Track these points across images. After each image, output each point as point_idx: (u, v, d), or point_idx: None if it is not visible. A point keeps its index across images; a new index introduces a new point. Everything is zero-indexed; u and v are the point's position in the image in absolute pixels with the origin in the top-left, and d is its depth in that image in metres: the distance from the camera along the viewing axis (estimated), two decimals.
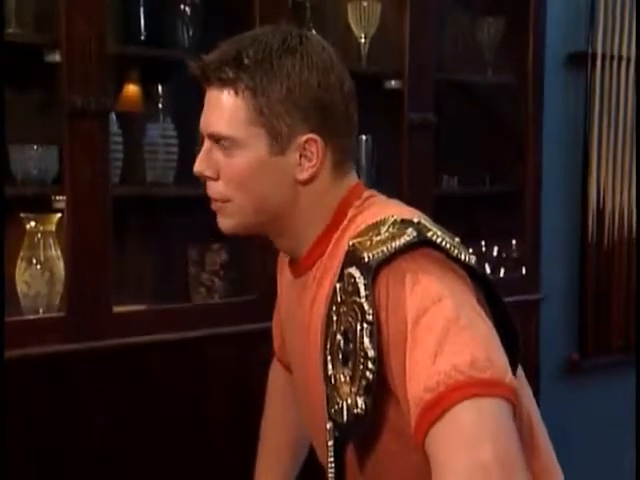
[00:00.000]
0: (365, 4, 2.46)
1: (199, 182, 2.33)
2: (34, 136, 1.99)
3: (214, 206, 1.20)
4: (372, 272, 1.04)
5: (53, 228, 2.00)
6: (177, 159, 2.20)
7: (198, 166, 1.17)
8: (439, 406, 0.96)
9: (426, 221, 1.09)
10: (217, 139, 1.14)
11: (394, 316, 1.03)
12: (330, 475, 1.10)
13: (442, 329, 0.99)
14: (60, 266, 1.98)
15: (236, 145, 1.13)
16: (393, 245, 1.04)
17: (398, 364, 1.03)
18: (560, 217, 3.03)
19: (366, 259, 1.05)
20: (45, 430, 1.87)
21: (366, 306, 1.03)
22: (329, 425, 1.08)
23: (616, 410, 3.09)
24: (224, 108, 1.13)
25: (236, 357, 2.11)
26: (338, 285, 1.08)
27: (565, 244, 3.07)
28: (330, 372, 1.08)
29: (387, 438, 1.09)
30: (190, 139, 2.26)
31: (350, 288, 1.06)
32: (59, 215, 1.98)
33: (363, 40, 2.49)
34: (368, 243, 1.07)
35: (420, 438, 0.98)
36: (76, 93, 1.89)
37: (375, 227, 1.09)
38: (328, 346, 1.09)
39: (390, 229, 1.07)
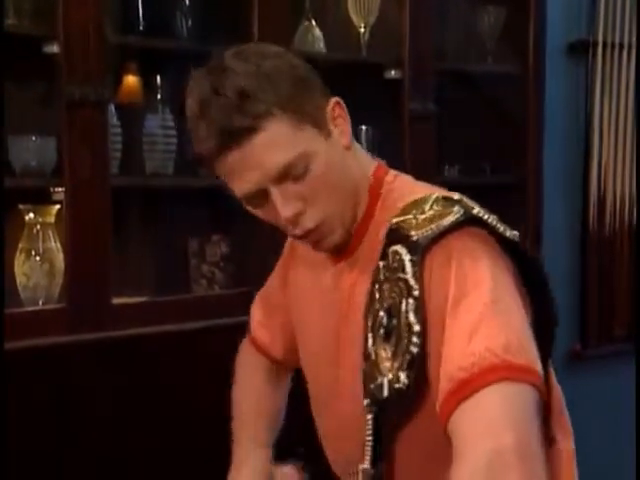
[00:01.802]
0: None
1: (198, 173, 2.34)
2: (33, 127, 1.98)
3: (311, 238, 1.15)
4: (421, 250, 1.05)
5: (52, 220, 1.99)
6: (176, 150, 2.20)
7: (286, 210, 1.10)
8: (470, 386, 0.98)
9: (464, 197, 1.12)
10: (287, 172, 1.09)
11: (436, 294, 1.05)
12: (368, 453, 1.10)
13: (480, 312, 1.01)
14: (59, 258, 1.98)
15: (306, 159, 1.09)
16: (442, 223, 1.06)
17: (434, 342, 1.04)
18: (561, 206, 3.03)
19: (414, 237, 1.06)
20: (45, 421, 1.87)
21: (412, 282, 1.05)
22: (366, 401, 1.08)
23: (619, 399, 3.09)
24: (274, 139, 1.07)
25: (237, 348, 2.10)
26: (381, 263, 1.09)
27: (566, 233, 3.07)
28: (370, 349, 1.09)
29: (424, 415, 1.09)
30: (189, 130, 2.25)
31: (395, 265, 1.07)
32: (58, 206, 1.98)
33: (363, 29, 2.47)
34: (414, 222, 1.08)
35: (445, 415, 1.00)
36: (74, 84, 1.88)
37: (417, 205, 1.10)
38: (369, 324, 1.09)
39: (434, 207, 1.09)
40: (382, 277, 1.09)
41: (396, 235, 1.09)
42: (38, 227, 1.98)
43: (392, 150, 2.44)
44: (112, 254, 1.98)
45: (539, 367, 1.02)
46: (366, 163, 1.21)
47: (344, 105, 1.16)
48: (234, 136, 1.06)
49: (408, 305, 1.05)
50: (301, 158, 1.08)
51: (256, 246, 2.19)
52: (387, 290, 1.08)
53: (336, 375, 1.21)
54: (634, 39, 3.02)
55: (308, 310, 1.29)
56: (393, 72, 2.44)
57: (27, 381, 1.83)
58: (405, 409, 1.09)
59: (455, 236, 1.06)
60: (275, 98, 1.06)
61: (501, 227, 1.08)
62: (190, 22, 2.19)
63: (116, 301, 1.99)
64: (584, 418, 3.15)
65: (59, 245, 1.99)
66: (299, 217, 1.11)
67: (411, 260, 1.05)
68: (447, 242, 1.06)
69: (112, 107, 2.05)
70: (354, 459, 1.14)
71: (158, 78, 2.21)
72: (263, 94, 1.06)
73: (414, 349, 1.04)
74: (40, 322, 1.90)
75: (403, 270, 1.06)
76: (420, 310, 1.04)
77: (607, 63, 2.99)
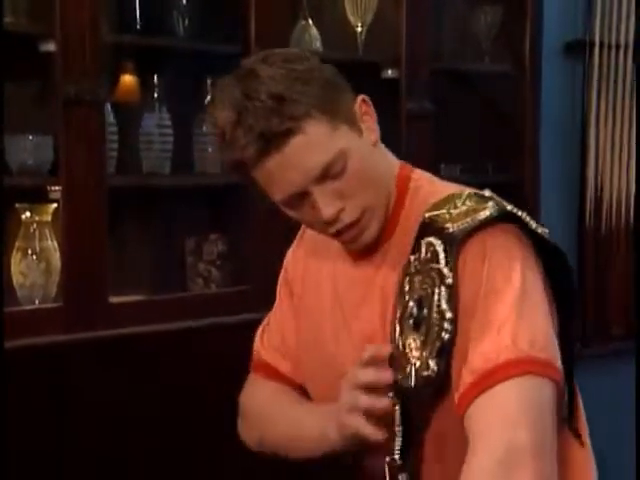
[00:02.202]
0: None
1: (195, 172, 2.34)
2: (29, 126, 1.98)
3: (350, 234, 1.15)
4: (458, 241, 1.08)
5: (49, 218, 1.99)
6: (173, 149, 2.20)
7: (328, 210, 1.11)
8: (492, 378, 1.01)
9: (494, 195, 1.14)
10: (327, 172, 1.10)
11: (469, 287, 1.07)
12: (398, 444, 1.10)
13: (509, 308, 1.04)
14: (56, 256, 1.98)
15: (343, 157, 1.11)
16: (478, 217, 1.08)
17: (462, 333, 1.06)
18: (558, 205, 3.03)
19: (450, 229, 1.09)
20: (42, 421, 1.87)
21: (445, 271, 1.07)
22: (390, 394, 1.09)
23: (617, 399, 3.09)
24: (312, 140, 1.08)
25: (233, 347, 2.10)
26: (412, 257, 1.12)
27: (564, 232, 3.06)
28: (397, 339, 1.10)
29: (447, 406, 1.09)
30: (186, 129, 2.25)
31: (428, 256, 1.10)
32: (55, 205, 1.98)
33: (360, 29, 2.47)
34: (447, 216, 1.10)
35: (464, 406, 1.02)
36: (71, 83, 1.88)
37: (450, 200, 1.13)
38: (398, 315, 1.11)
39: (467, 202, 1.11)
40: (413, 270, 1.11)
41: (429, 228, 1.11)
42: (35, 226, 1.98)
43: (389, 149, 2.44)
44: (109, 253, 1.98)
45: (560, 365, 1.05)
46: (391, 161, 1.23)
47: (370, 102, 1.18)
48: (274, 140, 1.07)
49: (441, 294, 1.07)
50: (339, 156, 1.10)
51: (253, 245, 2.19)
52: (418, 282, 1.10)
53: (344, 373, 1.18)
54: (631, 39, 3.03)
55: (335, 313, 1.25)
56: (390, 71, 2.45)
57: (24, 380, 1.83)
58: (432, 398, 1.09)
59: (489, 232, 1.09)
60: (311, 100, 1.08)
61: (533, 223, 1.11)
62: (187, 21, 2.19)
63: (113, 300, 1.99)
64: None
65: (56, 244, 1.99)
66: (340, 214, 1.13)
67: (445, 251, 1.08)
68: (482, 236, 1.09)
69: (109, 106, 2.05)
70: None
71: (155, 77, 2.21)
72: (299, 96, 1.07)
73: (445, 335, 1.06)
74: (37, 321, 1.90)
75: (437, 260, 1.08)
76: (453, 298, 1.06)
77: (604, 63, 2.99)
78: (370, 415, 1.11)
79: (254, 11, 2.13)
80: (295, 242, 1.38)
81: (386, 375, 1.10)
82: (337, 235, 1.16)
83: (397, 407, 1.10)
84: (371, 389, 1.11)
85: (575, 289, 1.17)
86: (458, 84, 2.74)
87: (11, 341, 1.72)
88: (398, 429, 1.10)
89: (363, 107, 1.17)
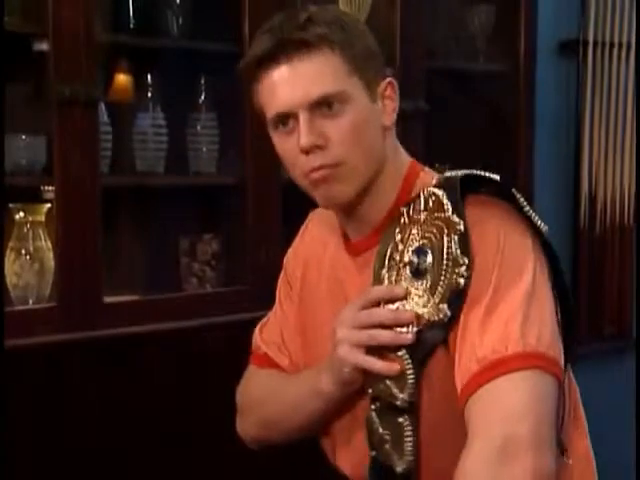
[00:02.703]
0: None
1: (189, 172, 2.33)
2: (22, 126, 1.97)
3: (322, 173, 1.13)
4: (457, 187, 1.10)
5: (42, 218, 1.99)
6: (167, 149, 2.19)
7: (307, 138, 1.11)
8: (500, 369, 1.02)
9: None
10: (323, 102, 1.11)
11: (477, 270, 1.07)
12: (409, 388, 1.10)
13: (520, 302, 1.05)
14: (50, 257, 1.97)
15: (344, 100, 1.11)
16: (475, 172, 1.13)
17: (466, 315, 1.06)
18: (553, 204, 3.03)
19: (447, 176, 1.13)
20: (36, 421, 1.87)
21: (455, 218, 1.08)
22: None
23: (609, 398, 3.10)
24: (323, 67, 1.11)
25: (228, 347, 2.10)
26: (404, 209, 1.13)
27: (558, 232, 3.06)
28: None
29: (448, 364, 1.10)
30: (180, 129, 2.25)
31: (430, 205, 1.11)
32: (48, 205, 1.97)
33: None
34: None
35: (469, 392, 1.03)
36: (64, 83, 1.87)
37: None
38: (385, 264, 1.13)
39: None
40: (407, 220, 1.13)
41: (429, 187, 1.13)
42: (28, 226, 1.97)
43: None
44: (103, 253, 1.98)
45: (562, 364, 1.07)
46: (403, 155, 1.23)
47: (397, 88, 1.19)
48: (289, 46, 1.10)
49: (452, 241, 1.07)
50: (340, 96, 1.11)
51: (247, 245, 2.19)
52: (417, 231, 1.11)
53: None
54: (625, 38, 3.03)
55: (321, 315, 1.26)
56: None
57: (18, 381, 1.82)
58: (441, 344, 1.09)
59: (494, 203, 1.11)
60: (341, 38, 1.11)
61: (537, 217, 1.12)
62: (181, 20, 2.19)
63: (107, 300, 1.99)
64: None
65: (49, 244, 1.98)
66: (316, 150, 1.12)
67: (451, 201, 1.09)
68: (481, 198, 1.11)
69: (102, 105, 2.04)
70: (365, 453, 1.16)
71: (149, 76, 2.20)
72: (331, 31, 1.10)
73: (461, 280, 1.06)
74: (31, 321, 1.89)
75: (442, 209, 1.09)
76: (466, 245, 1.07)
77: (598, 62, 2.99)
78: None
79: (247, 10, 2.13)
80: (295, 241, 1.38)
81: (407, 315, 1.09)
82: (311, 173, 1.14)
83: (404, 354, 1.09)
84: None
85: (569, 291, 1.16)
86: (452, 83, 2.74)
87: (5, 341, 1.72)
88: (411, 373, 1.09)
89: (388, 89, 1.18)
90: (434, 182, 1.15)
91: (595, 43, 2.97)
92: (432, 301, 1.07)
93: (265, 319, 1.40)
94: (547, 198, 2.96)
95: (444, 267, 1.07)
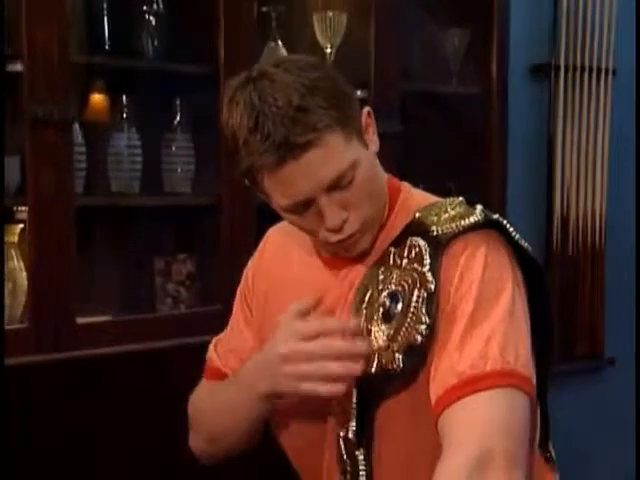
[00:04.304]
0: (331, 14, 2.46)
1: (164, 192, 2.32)
2: None
3: (350, 242, 1.15)
4: (442, 247, 1.10)
5: (15, 239, 1.98)
6: (142, 169, 2.19)
7: (336, 220, 1.12)
8: (478, 384, 1.03)
9: (482, 206, 1.17)
10: (338, 182, 1.11)
11: (459, 292, 1.09)
12: (352, 424, 1.12)
13: (499, 321, 1.07)
14: (23, 277, 1.96)
15: (354, 168, 1.11)
16: (462, 223, 1.12)
17: (445, 333, 1.08)
18: (525, 226, 3.05)
19: (434, 233, 1.11)
20: (7, 442, 1.85)
21: (429, 276, 1.09)
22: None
23: (580, 417, 3.12)
24: (330, 151, 1.08)
25: (202, 368, 2.09)
26: (392, 249, 1.14)
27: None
28: (362, 324, 1.12)
29: (408, 401, 1.11)
30: (155, 149, 2.25)
31: (412, 255, 1.12)
32: (21, 226, 1.96)
33: (329, 50, 2.49)
34: (435, 218, 1.14)
35: (444, 405, 1.04)
36: (38, 103, 1.87)
37: (442, 206, 1.16)
38: (365, 300, 1.14)
39: (457, 208, 1.15)
40: (391, 262, 1.13)
41: (417, 228, 1.14)
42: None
43: None
44: (76, 273, 1.97)
45: (534, 382, 1.09)
46: (382, 171, 1.23)
47: (372, 112, 1.20)
48: (294, 150, 1.07)
49: (420, 297, 1.09)
50: (351, 168, 1.11)
51: (222, 265, 2.19)
52: (396, 276, 1.12)
53: None
54: (595, 62, 3.08)
55: None
56: (359, 92, 2.46)
57: None
58: (391, 389, 1.11)
59: (471, 237, 1.12)
60: (329, 111, 1.08)
61: (517, 235, 1.15)
62: (156, 41, 2.19)
63: (80, 320, 1.98)
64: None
65: (22, 264, 1.97)
66: (344, 224, 1.13)
67: (431, 255, 1.10)
68: (465, 238, 1.12)
69: (77, 126, 2.04)
70: (332, 467, 1.17)
71: (124, 97, 2.21)
72: (318, 107, 1.07)
73: (418, 337, 1.07)
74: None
75: (421, 263, 1.10)
76: (432, 305, 1.08)
77: (569, 85, 3.04)
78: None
79: (223, 32, 2.14)
80: (254, 258, 1.37)
81: (362, 347, 1.07)
82: (337, 244, 1.16)
83: (354, 389, 1.11)
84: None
85: (551, 310, 1.19)
86: (426, 105, 2.76)
87: None
88: (354, 407, 1.11)
89: (367, 118, 1.18)
90: (423, 228, 1.15)
91: (566, 67, 3.02)
92: (391, 347, 1.09)
93: (222, 333, 1.41)
94: (520, 220, 2.98)
95: (408, 319, 1.09)
